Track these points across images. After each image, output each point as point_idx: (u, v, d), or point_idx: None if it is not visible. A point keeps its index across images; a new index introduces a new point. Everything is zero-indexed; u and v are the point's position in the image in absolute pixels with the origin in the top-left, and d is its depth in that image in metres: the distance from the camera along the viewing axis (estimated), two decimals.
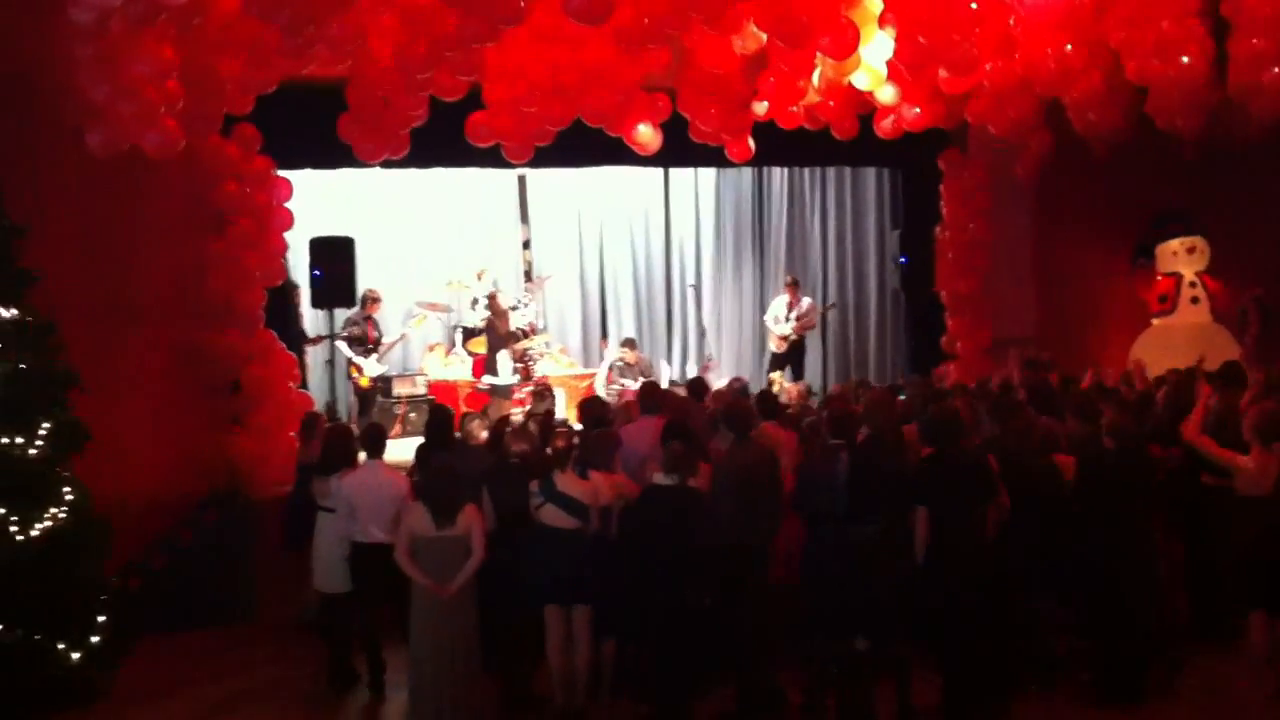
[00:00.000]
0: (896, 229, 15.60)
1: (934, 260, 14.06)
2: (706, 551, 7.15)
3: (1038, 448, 7.72)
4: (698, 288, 16.77)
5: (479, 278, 14.83)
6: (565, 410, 12.45)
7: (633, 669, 7.74)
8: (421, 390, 13.98)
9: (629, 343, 14.90)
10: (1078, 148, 11.78)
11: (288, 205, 11.48)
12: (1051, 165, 12.34)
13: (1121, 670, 7.64)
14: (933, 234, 14.02)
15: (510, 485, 7.60)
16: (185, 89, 8.99)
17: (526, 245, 16.39)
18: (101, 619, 7.86)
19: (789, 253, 17.44)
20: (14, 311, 7.67)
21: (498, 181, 15.85)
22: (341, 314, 12.91)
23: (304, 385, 12.30)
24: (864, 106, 11.76)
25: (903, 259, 14.93)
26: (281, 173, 11.41)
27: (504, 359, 13.46)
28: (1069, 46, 10.38)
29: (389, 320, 14.80)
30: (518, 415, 11.67)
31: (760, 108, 11.36)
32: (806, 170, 17.31)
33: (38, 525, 7.51)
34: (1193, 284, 13.38)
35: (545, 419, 9.37)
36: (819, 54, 10.22)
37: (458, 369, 14.55)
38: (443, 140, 11.08)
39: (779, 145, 12.28)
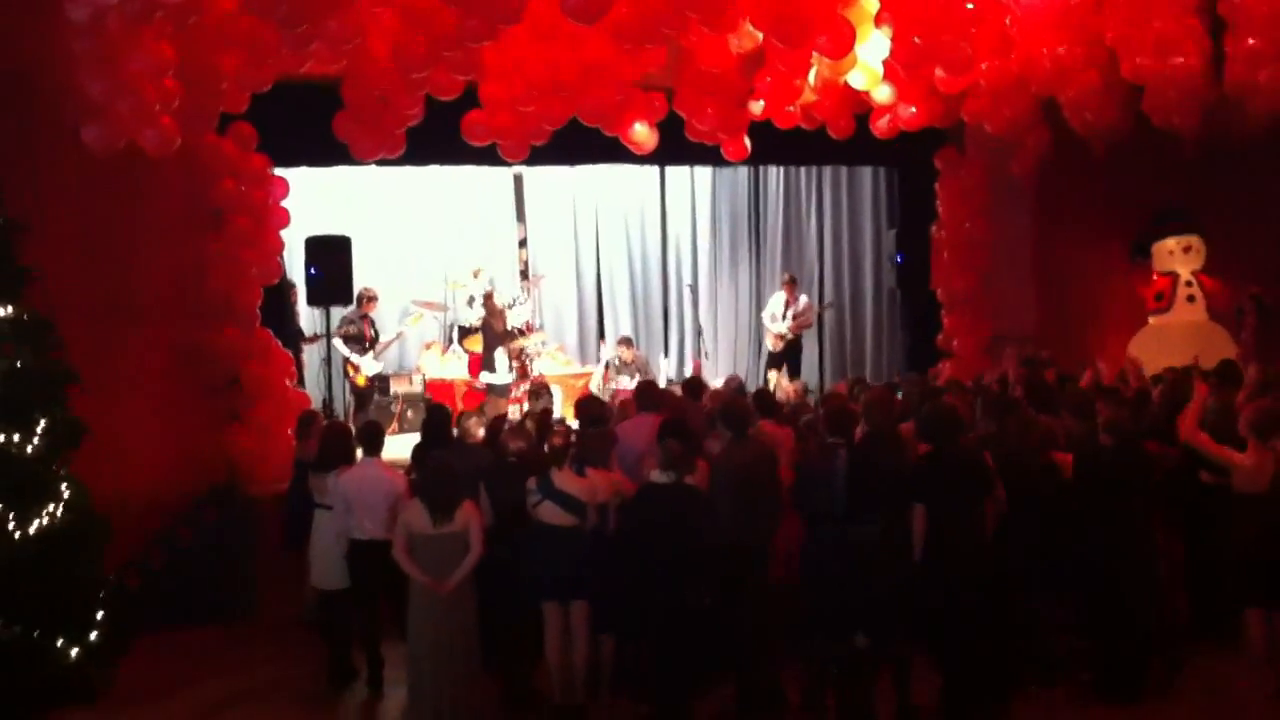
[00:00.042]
0: (893, 228, 15.64)
1: (930, 259, 14.07)
2: (705, 550, 7.15)
3: (1037, 445, 7.73)
4: (694, 286, 16.77)
5: (475, 276, 14.83)
6: (562, 408, 12.45)
7: (632, 668, 7.74)
8: (418, 388, 13.99)
9: (625, 341, 14.91)
10: (1075, 146, 11.79)
11: (284, 204, 11.49)
12: (1049, 164, 12.34)
13: (1121, 669, 7.64)
14: (929, 233, 14.04)
15: (508, 483, 7.61)
16: (182, 86, 9.00)
17: (523, 244, 16.38)
18: (100, 616, 7.85)
19: (785, 251, 17.47)
20: (11, 309, 7.67)
21: (494, 180, 15.85)
22: (338, 312, 12.90)
23: (301, 384, 12.31)
24: (860, 106, 11.78)
25: (898, 258, 14.93)
26: (278, 171, 11.43)
27: (500, 357, 13.46)
28: (1064, 46, 10.41)
29: (385, 318, 14.82)
30: (514, 413, 11.67)
31: (757, 107, 11.37)
32: (803, 169, 17.33)
33: (36, 523, 7.50)
34: (1189, 283, 13.39)
35: (542, 417, 9.37)
36: (815, 53, 10.22)
37: (454, 367, 14.55)
38: (439, 138, 11.09)
39: (775, 144, 12.30)
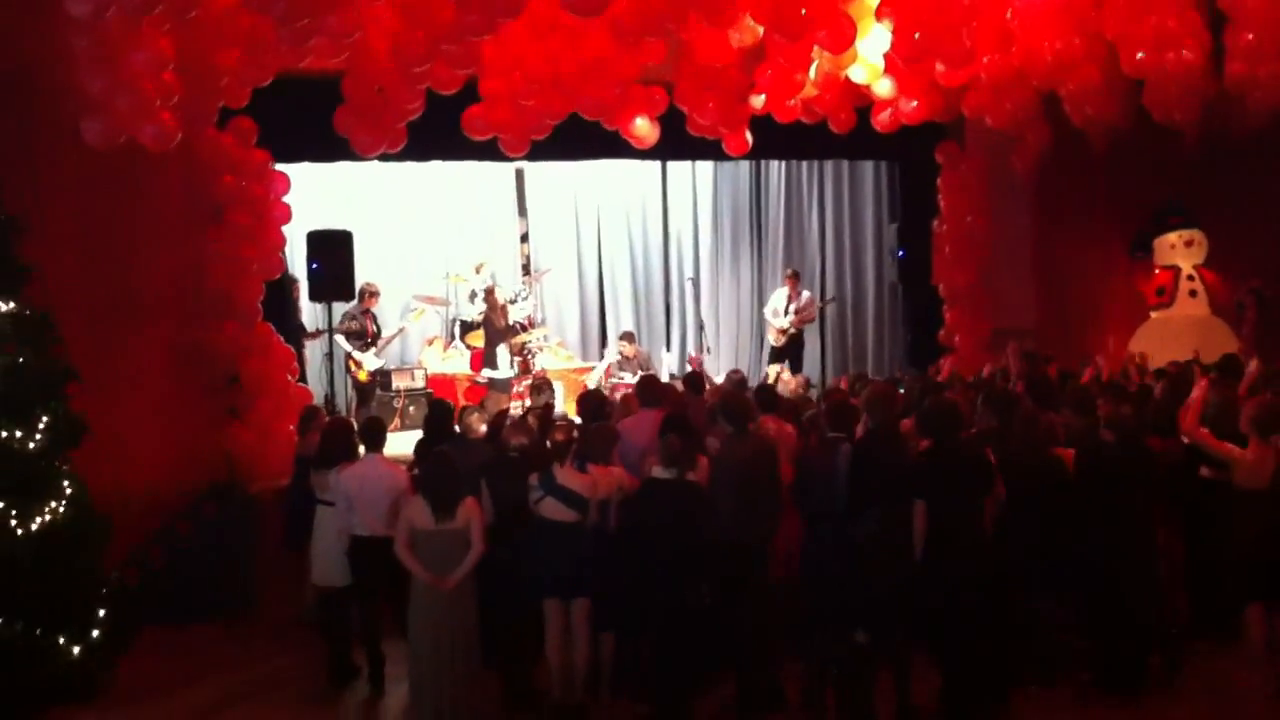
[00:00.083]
0: (894, 222, 15.61)
1: (931, 254, 14.06)
2: (706, 547, 7.15)
3: (1041, 440, 7.71)
4: (696, 281, 16.74)
5: (477, 271, 14.84)
6: (564, 404, 12.45)
7: (632, 666, 7.74)
8: (420, 384, 13.97)
9: (627, 336, 14.92)
10: (1076, 141, 11.79)
11: (286, 199, 11.49)
12: (1050, 159, 12.33)
13: (1121, 667, 7.63)
14: (930, 228, 14.03)
15: (509, 479, 7.59)
16: (182, 82, 8.99)
17: (524, 239, 16.40)
18: (101, 613, 7.86)
19: (786, 246, 17.45)
20: (12, 305, 7.67)
21: (495, 175, 15.87)
22: (340, 308, 12.90)
23: (303, 379, 12.30)
24: (861, 100, 11.76)
25: (900, 252, 14.93)
26: (279, 167, 11.42)
27: (502, 352, 13.46)
28: (1065, 41, 10.39)
29: (387, 314, 14.82)
30: (516, 409, 11.67)
31: (757, 101, 11.35)
32: (804, 164, 17.32)
33: (37, 519, 7.51)
34: (1190, 277, 13.39)
35: (544, 412, 9.37)
36: (816, 47, 10.21)
37: (456, 362, 14.56)
38: (440, 133, 11.09)
39: (776, 138, 12.26)
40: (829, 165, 17.23)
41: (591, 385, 13.45)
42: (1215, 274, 13.39)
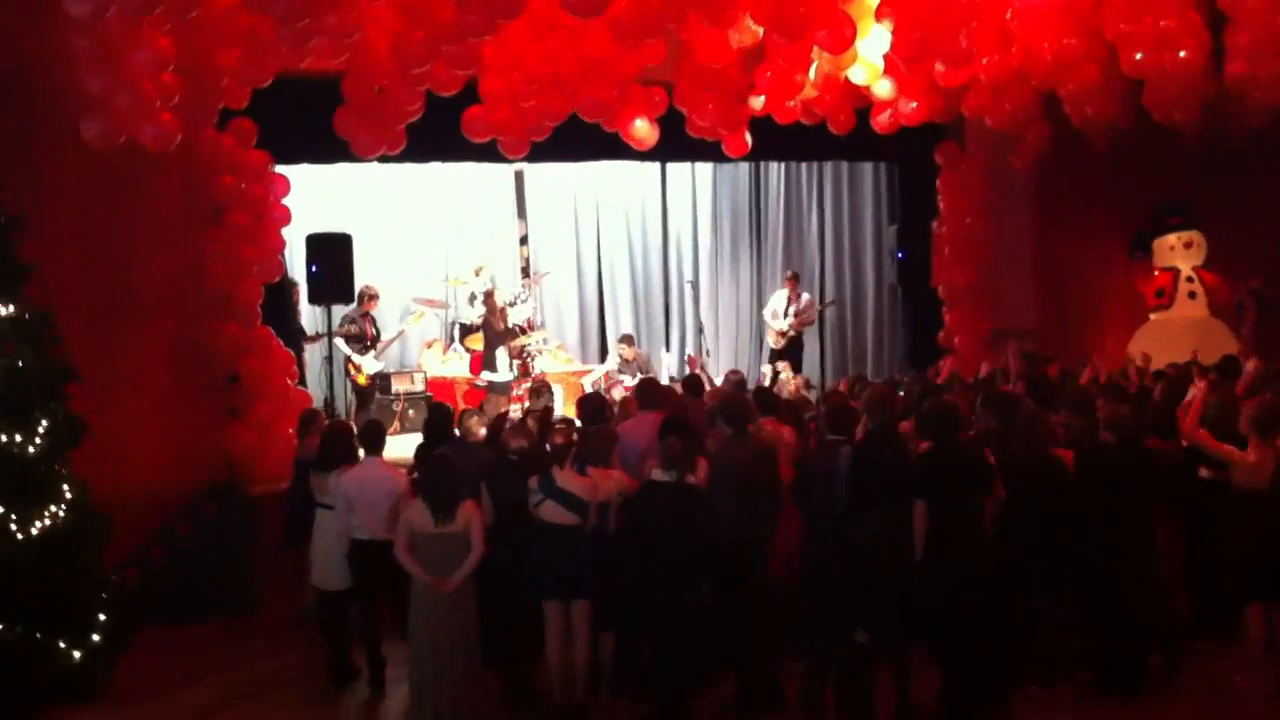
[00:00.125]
0: (893, 223, 15.61)
1: (931, 255, 14.06)
2: (706, 547, 7.14)
3: (1044, 440, 7.71)
4: (695, 283, 16.76)
5: (477, 274, 14.83)
6: (563, 406, 12.45)
7: (632, 667, 7.74)
8: (419, 387, 13.96)
9: (627, 339, 14.91)
10: (1075, 141, 11.79)
11: (285, 201, 11.48)
12: (1049, 159, 12.34)
13: (1121, 667, 7.62)
14: (929, 228, 14.03)
15: (509, 481, 7.59)
16: (182, 81, 8.99)
17: (524, 241, 16.39)
18: (102, 617, 7.87)
19: (786, 247, 17.43)
20: (12, 308, 7.67)
21: (495, 177, 15.84)
22: (339, 311, 12.90)
23: (302, 383, 12.30)
24: (861, 101, 11.76)
25: (899, 253, 14.92)
26: (279, 169, 11.42)
27: (502, 355, 13.45)
28: (1066, 40, 10.40)
29: (387, 317, 14.80)
30: (516, 412, 11.66)
31: (757, 102, 11.35)
32: (804, 165, 17.30)
33: (37, 523, 7.51)
34: (1190, 279, 13.39)
35: (544, 415, 9.37)
36: (816, 48, 10.21)
37: (456, 365, 14.55)
38: (439, 135, 11.08)
39: (776, 140, 12.27)
40: (828, 166, 17.21)
41: (588, 388, 13.47)
42: (1214, 275, 13.38)
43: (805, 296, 15.29)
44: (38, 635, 7.46)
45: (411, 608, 7.21)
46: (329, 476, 8.11)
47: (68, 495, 7.79)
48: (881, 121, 12.02)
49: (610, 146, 11.95)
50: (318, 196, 13.89)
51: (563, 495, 7.28)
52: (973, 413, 8.47)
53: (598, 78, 10.36)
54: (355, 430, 8.76)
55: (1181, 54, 9.96)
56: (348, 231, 12.38)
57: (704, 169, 17.30)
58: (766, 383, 14.31)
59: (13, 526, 7.40)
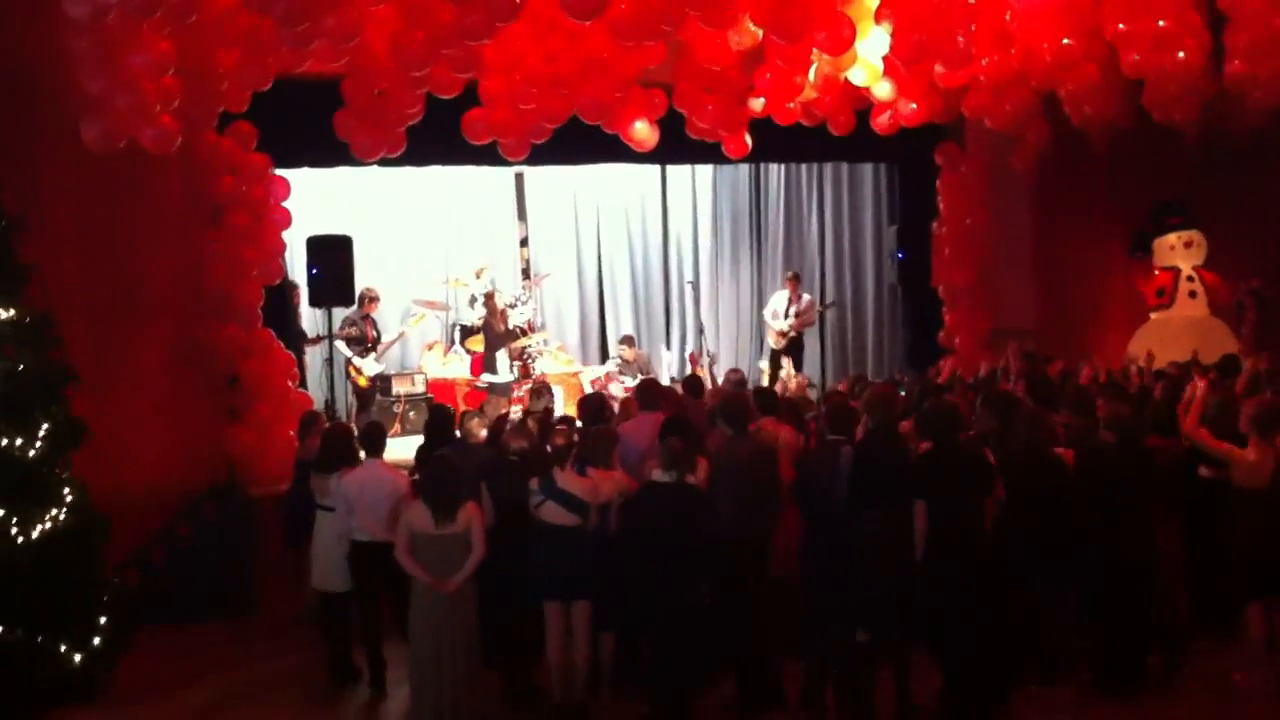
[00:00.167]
0: (893, 224, 15.61)
1: (931, 255, 14.06)
2: (706, 548, 7.15)
3: (1046, 439, 7.71)
4: (695, 284, 16.76)
5: (478, 275, 14.84)
6: (564, 408, 12.45)
7: (632, 667, 7.74)
8: (420, 389, 13.97)
9: (627, 340, 14.91)
10: (1075, 141, 11.79)
11: (285, 204, 11.48)
12: (1049, 159, 12.34)
13: (1121, 666, 7.62)
14: (929, 229, 14.02)
15: (510, 482, 7.60)
16: (182, 83, 9.00)
17: (524, 243, 16.40)
18: (102, 621, 7.87)
19: (786, 248, 17.43)
20: (13, 312, 7.67)
21: (495, 179, 15.85)
22: (340, 313, 12.90)
23: (303, 385, 12.31)
24: (860, 102, 11.75)
25: (899, 254, 14.92)
26: (279, 172, 11.42)
27: (502, 357, 13.46)
28: (1065, 40, 10.39)
29: (387, 319, 14.81)
30: (516, 413, 11.67)
31: (757, 103, 11.36)
32: (803, 166, 17.29)
33: (38, 527, 7.51)
34: (1190, 278, 13.38)
35: (544, 416, 9.38)
36: (815, 49, 10.21)
37: (456, 367, 14.55)
38: (439, 138, 11.08)
39: (776, 141, 12.27)
40: (828, 167, 17.19)
41: (586, 386, 13.49)
42: (1215, 275, 13.37)
43: (806, 297, 15.28)
44: (39, 638, 7.47)
45: (412, 609, 7.21)
46: (329, 478, 8.11)
47: (68, 498, 7.80)
48: (881, 122, 12.02)
49: (610, 148, 11.95)
50: (318, 199, 13.89)
51: (563, 496, 7.29)
52: (973, 413, 8.47)
53: (598, 79, 10.36)
54: (356, 432, 8.77)
55: (1181, 54, 9.95)
56: (348, 234, 12.38)
57: (704, 170, 17.29)
58: (764, 380, 14.35)
59: (13, 530, 7.40)
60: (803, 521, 7.49)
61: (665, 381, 13.19)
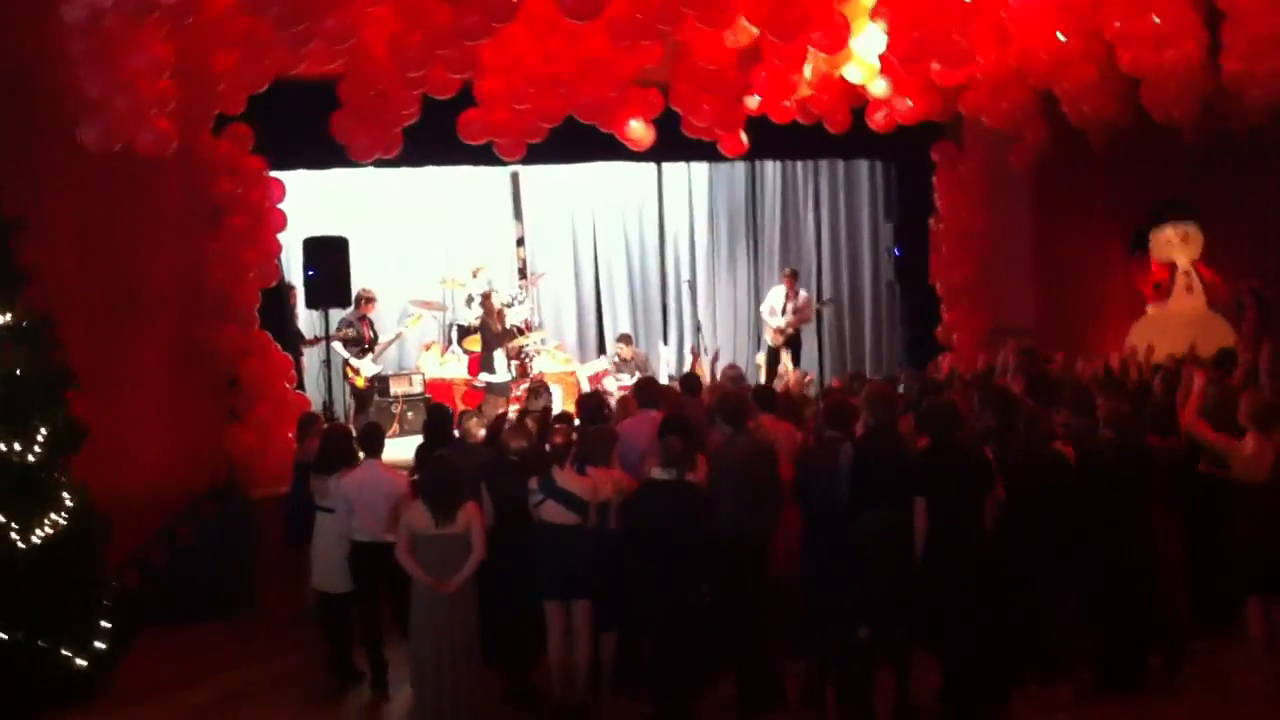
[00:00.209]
0: (890, 222, 15.60)
1: (928, 252, 14.06)
2: (706, 547, 7.15)
3: (1047, 437, 7.70)
4: (693, 282, 16.75)
5: (475, 275, 14.81)
6: (562, 406, 12.44)
7: (632, 667, 7.74)
8: (418, 389, 13.95)
9: (625, 338, 14.89)
10: (1073, 139, 11.79)
11: (281, 206, 11.47)
12: (1047, 157, 12.33)
13: (1121, 665, 7.62)
14: (927, 226, 14.02)
15: (509, 482, 7.60)
16: (179, 86, 8.98)
17: (520, 242, 16.35)
18: (105, 625, 7.87)
19: (783, 246, 17.40)
20: (10, 316, 7.66)
21: (491, 179, 15.81)
22: (337, 315, 12.89)
23: (301, 386, 12.30)
24: (857, 100, 11.75)
25: (897, 251, 14.93)
26: (275, 174, 11.39)
27: (500, 356, 13.45)
28: (1063, 37, 10.39)
29: (384, 319, 14.80)
30: (514, 412, 11.66)
31: (753, 102, 11.35)
32: (800, 164, 17.27)
33: (38, 531, 7.50)
34: (1187, 272, 13.36)
35: (543, 415, 9.37)
36: (811, 48, 10.21)
37: (454, 367, 14.53)
38: (435, 138, 11.05)
39: (772, 139, 12.26)
40: (825, 165, 17.17)
41: (582, 385, 13.49)
42: (1212, 270, 13.36)
43: (803, 294, 15.29)
44: (39, 640, 7.46)
45: (412, 609, 7.22)
46: (329, 479, 8.11)
47: (68, 502, 7.80)
48: (878, 120, 12.00)
49: (607, 147, 11.93)
50: (314, 200, 13.86)
51: (563, 495, 7.29)
52: (972, 410, 8.47)
53: (594, 78, 10.36)
54: (354, 433, 8.77)
55: (1179, 51, 9.95)
56: (344, 235, 12.34)
57: (700, 169, 17.26)
58: (761, 375, 14.34)
59: (13, 534, 7.40)
60: (803, 521, 7.49)
61: (663, 379, 13.19)
